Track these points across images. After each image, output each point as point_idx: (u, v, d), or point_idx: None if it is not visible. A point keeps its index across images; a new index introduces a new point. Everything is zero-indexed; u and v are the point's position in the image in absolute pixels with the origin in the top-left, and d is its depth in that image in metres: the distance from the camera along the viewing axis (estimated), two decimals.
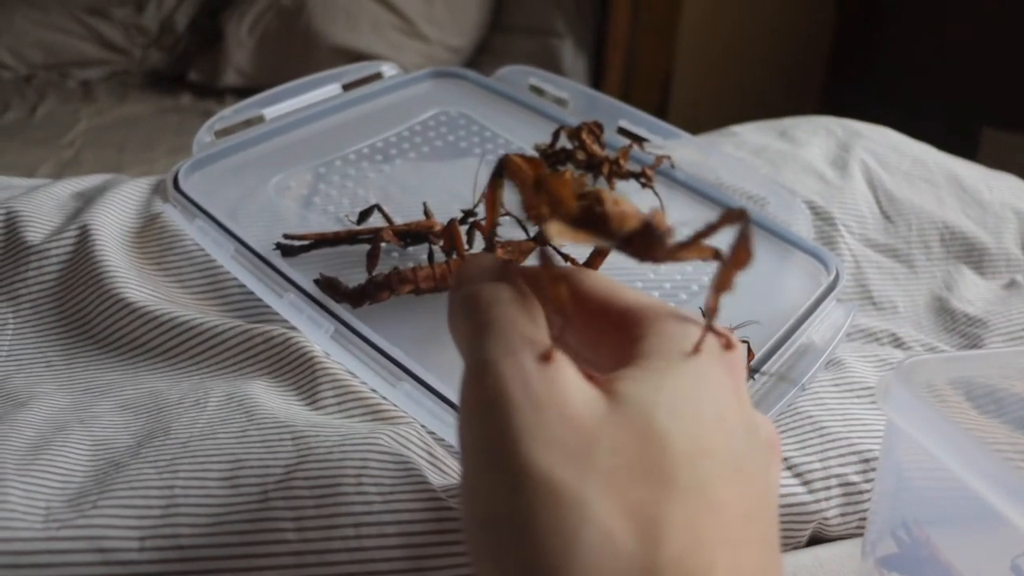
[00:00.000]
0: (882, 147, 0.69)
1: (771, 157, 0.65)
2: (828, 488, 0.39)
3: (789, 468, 0.39)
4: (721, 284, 0.26)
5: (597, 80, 1.83)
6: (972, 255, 0.62)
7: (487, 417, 0.23)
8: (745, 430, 0.24)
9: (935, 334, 0.56)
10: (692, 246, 0.25)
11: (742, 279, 0.51)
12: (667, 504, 0.21)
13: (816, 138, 0.69)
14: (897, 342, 0.53)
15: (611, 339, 0.26)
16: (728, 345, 0.26)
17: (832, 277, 0.50)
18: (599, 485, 0.21)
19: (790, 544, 0.39)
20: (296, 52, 1.65)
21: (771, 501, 0.24)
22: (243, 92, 1.66)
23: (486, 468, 0.22)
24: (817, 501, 0.39)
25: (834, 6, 1.95)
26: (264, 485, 0.33)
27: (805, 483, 0.39)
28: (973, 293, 0.58)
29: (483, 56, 1.81)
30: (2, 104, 1.64)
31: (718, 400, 0.23)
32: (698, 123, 0.90)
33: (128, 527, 0.31)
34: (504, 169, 0.28)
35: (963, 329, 0.55)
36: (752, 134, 0.70)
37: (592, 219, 0.26)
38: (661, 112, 1.80)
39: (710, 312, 0.26)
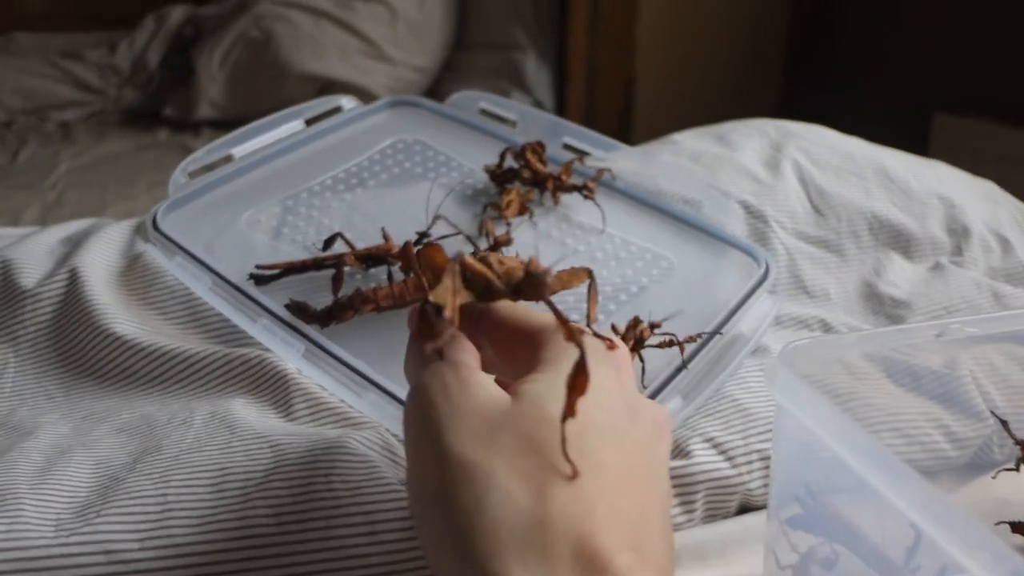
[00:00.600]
0: (813, 145, 0.73)
1: (708, 162, 0.70)
2: (750, 462, 0.43)
3: (715, 447, 0.43)
4: (594, 299, 0.33)
5: (561, 90, 1.87)
6: (900, 241, 0.66)
7: (421, 421, 0.30)
8: (627, 412, 0.30)
9: (863, 317, 0.60)
10: (570, 275, 0.31)
11: (682, 277, 0.56)
12: (554, 468, 0.27)
13: (750, 141, 0.73)
14: (826, 327, 0.58)
15: (523, 354, 0.32)
16: (611, 346, 0.32)
17: (762, 271, 0.54)
18: (502, 460, 0.27)
19: (719, 514, 0.43)
20: (266, 82, 1.70)
21: (654, 465, 0.30)
22: (218, 124, 1.70)
23: (421, 458, 0.30)
24: (740, 475, 0.43)
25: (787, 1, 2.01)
26: (246, 488, 0.38)
27: (729, 459, 0.43)
28: (900, 277, 0.63)
29: (449, 74, 1.86)
30: None
31: (599, 389, 0.29)
32: (663, 125, 0.95)
33: (129, 531, 0.36)
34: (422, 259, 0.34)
35: (888, 311, 0.60)
36: (690, 141, 0.74)
37: (479, 281, 0.32)
38: (626, 118, 1.84)
39: (590, 320, 0.32)
